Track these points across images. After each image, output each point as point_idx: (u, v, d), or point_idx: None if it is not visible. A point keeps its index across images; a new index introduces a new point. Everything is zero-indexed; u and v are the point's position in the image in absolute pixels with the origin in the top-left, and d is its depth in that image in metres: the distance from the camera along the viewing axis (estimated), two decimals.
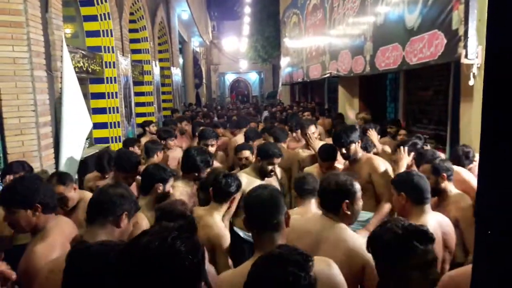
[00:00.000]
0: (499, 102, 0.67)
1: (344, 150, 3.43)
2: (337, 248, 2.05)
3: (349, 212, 2.18)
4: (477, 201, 0.73)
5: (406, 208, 2.43)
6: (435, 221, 2.37)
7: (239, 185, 2.85)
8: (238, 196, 2.83)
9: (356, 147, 3.42)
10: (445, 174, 2.91)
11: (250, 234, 3.10)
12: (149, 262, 1.11)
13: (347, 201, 2.18)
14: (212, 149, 4.06)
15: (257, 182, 3.35)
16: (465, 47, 3.92)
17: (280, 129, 5.38)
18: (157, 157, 4.14)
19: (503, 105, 0.66)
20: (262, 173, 3.47)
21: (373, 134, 4.73)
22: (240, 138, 5.48)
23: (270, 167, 3.44)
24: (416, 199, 2.41)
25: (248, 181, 3.33)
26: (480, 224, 0.72)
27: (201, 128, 5.00)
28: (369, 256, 1.89)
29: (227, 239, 2.57)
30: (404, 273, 1.60)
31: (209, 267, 1.22)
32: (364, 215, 3.35)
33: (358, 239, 2.11)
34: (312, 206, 2.79)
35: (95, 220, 1.99)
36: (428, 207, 2.44)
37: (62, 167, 4.52)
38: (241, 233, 3.37)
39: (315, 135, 4.63)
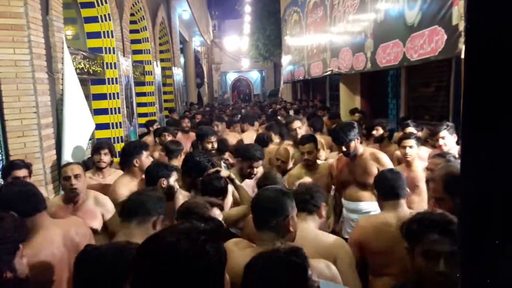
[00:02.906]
0: (479, 95, 0.68)
1: (344, 148, 3.44)
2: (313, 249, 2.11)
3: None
4: (462, 193, 0.73)
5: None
6: None
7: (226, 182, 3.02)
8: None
9: (355, 143, 3.43)
10: None
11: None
12: (177, 260, 1.04)
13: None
14: (210, 146, 4.09)
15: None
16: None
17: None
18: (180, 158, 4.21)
19: (482, 99, 0.67)
20: (243, 176, 3.45)
21: None
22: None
23: (249, 170, 3.43)
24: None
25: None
26: (464, 223, 0.73)
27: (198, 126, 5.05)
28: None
29: None
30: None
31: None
32: (367, 206, 3.39)
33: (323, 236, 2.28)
34: None
35: (131, 218, 2.03)
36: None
37: None
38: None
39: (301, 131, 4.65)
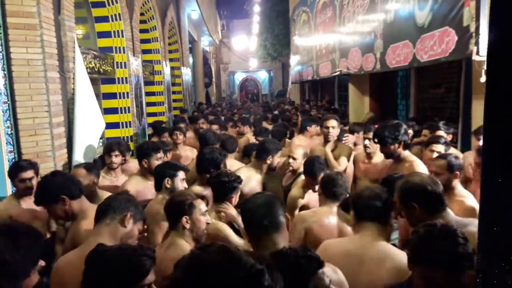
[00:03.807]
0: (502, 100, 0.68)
1: (386, 149, 3.33)
2: (381, 266, 1.95)
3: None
4: (481, 200, 0.73)
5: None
6: None
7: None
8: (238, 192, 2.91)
9: (395, 147, 3.28)
10: (458, 173, 2.89)
11: None
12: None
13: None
14: None
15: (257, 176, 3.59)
16: (477, 43, 3.89)
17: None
18: (166, 158, 4.23)
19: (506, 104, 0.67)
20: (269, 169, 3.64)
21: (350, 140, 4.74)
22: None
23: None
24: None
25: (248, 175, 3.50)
26: (483, 224, 0.73)
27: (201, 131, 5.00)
28: None
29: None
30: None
31: None
32: None
33: (401, 255, 2.01)
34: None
35: (101, 219, 2.11)
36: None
37: None
38: None
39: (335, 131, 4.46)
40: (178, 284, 1.04)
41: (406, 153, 3.32)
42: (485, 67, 3.90)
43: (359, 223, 2.18)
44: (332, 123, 4.42)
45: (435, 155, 3.50)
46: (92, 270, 1.53)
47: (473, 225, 1.77)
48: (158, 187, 3.01)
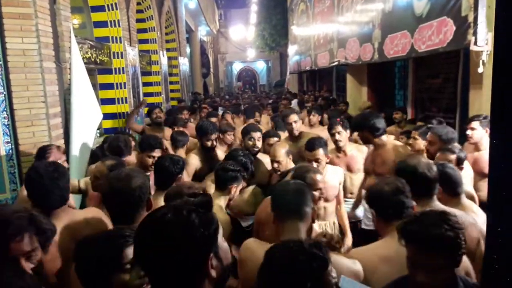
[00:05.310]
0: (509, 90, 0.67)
1: (359, 136, 3.61)
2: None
3: None
4: (489, 190, 0.73)
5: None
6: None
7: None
8: (239, 184, 2.81)
9: (366, 133, 3.46)
10: (463, 166, 2.93)
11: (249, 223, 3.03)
12: (163, 232, 1.12)
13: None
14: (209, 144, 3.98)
15: None
16: (475, 34, 3.88)
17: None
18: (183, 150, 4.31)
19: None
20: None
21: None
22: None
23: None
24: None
25: None
26: (491, 215, 0.73)
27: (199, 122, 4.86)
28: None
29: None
30: None
31: (221, 243, 1.21)
32: None
33: None
34: None
35: (132, 216, 1.98)
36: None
37: (73, 158, 4.57)
38: (242, 223, 3.43)
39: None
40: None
41: (384, 139, 3.45)
42: (482, 57, 3.92)
43: (386, 224, 1.99)
44: (293, 117, 4.37)
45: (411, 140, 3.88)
46: (76, 258, 1.58)
47: (458, 216, 1.76)
48: (166, 184, 2.77)
